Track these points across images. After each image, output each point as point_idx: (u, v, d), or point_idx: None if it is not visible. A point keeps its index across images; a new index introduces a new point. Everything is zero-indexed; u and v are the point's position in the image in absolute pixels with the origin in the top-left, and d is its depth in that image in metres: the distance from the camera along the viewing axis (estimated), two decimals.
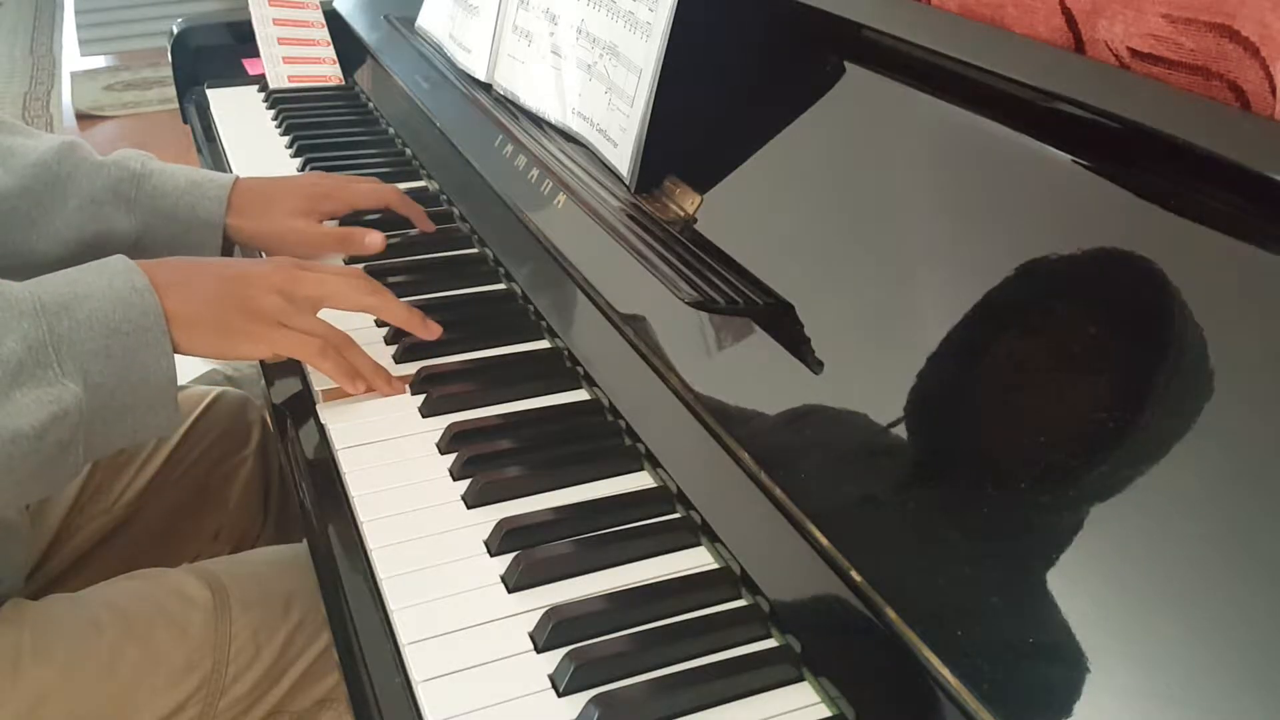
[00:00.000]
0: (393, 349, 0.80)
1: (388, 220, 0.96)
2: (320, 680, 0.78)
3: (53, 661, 0.69)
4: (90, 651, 0.70)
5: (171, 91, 1.44)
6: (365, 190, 0.95)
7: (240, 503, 1.05)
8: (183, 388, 1.04)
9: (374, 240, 0.90)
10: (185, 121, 1.35)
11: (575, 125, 0.86)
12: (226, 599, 0.76)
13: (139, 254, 0.84)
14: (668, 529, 0.62)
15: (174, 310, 0.66)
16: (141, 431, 0.66)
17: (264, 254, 0.92)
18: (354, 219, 0.95)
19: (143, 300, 0.64)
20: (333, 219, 0.94)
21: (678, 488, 0.63)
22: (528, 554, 0.59)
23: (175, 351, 0.66)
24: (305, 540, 0.68)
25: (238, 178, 0.91)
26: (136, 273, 0.66)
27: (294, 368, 0.80)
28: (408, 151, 1.14)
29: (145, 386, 0.64)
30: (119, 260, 0.67)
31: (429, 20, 1.14)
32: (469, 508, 0.64)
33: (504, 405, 0.73)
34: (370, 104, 1.28)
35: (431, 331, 0.77)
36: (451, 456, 0.67)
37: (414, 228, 0.96)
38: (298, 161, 1.13)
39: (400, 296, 0.86)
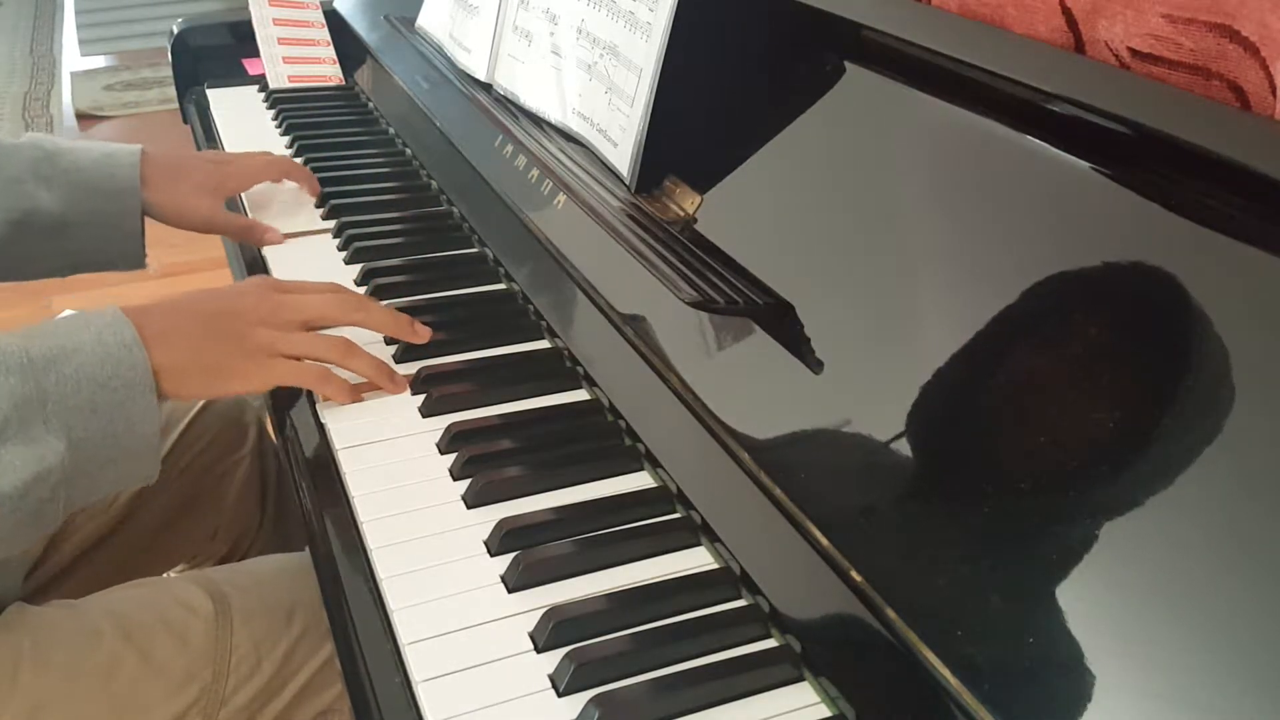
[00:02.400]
0: (393, 349, 0.79)
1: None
2: (321, 692, 0.77)
3: (52, 669, 0.69)
4: (90, 659, 0.70)
5: (171, 91, 1.44)
6: (265, 172, 1.03)
7: (237, 503, 1.05)
8: None
9: (273, 237, 0.97)
10: (185, 121, 1.35)
11: (575, 125, 0.86)
12: (228, 609, 0.76)
13: (65, 227, 0.90)
14: (668, 529, 0.62)
15: (162, 362, 0.65)
16: (122, 482, 0.65)
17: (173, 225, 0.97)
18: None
19: (130, 355, 0.63)
20: (233, 195, 1.02)
21: (678, 488, 0.63)
22: (528, 554, 0.59)
23: (168, 398, 0.66)
24: (307, 546, 0.68)
25: (144, 149, 0.94)
26: (125, 325, 0.65)
27: None
28: (408, 151, 1.15)
29: (130, 439, 0.63)
30: (110, 311, 0.66)
31: (429, 20, 1.14)
32: (469, 508, 0.64)
33: (504, 405, 0.73)
34: (370, 104, 1.28)
35: (420, 335, 0.77)
36: (451, 456, 0.67)
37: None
38: (298, 162, 1.13)
39: (401, 296, 0.87)
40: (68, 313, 1.65)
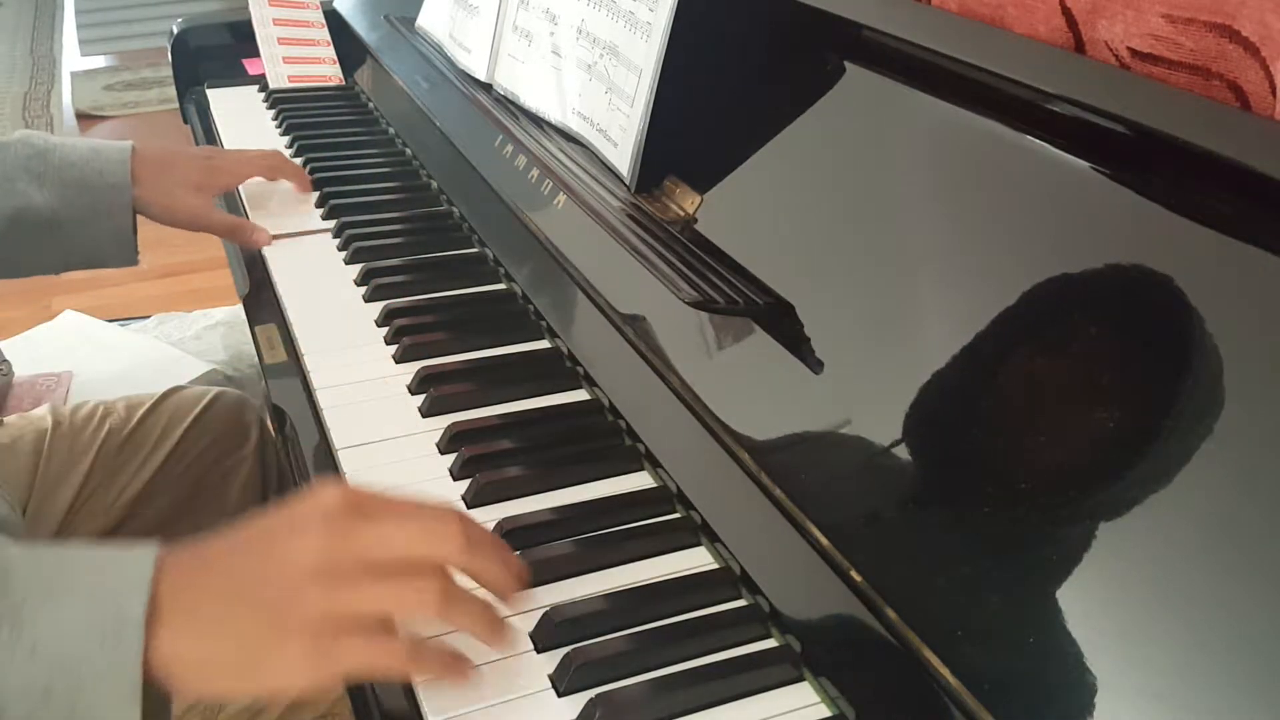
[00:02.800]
0: (393, 349, 0.80)
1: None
2: (322, 695, 0.77)
3: None
4: None
5: (171, 91, 1.44)
6: (256, 166, 1.02)
7: (239, 503, 1.05)
8: (181, 388, 1.05)
9: (262, 238, 0.96)
10: (185, 121, 1.35)
11: (575, 125, 0.86)
12: None
13: (57, 225, 0.88)
14: (668, 529, 0.62)
15: (176, 651, 0.47)
16: None
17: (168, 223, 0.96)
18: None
19: (122, 630, 0.46)
20: (225, 192, 1.02)
21: (678, 488, 0.63)
22: (528, 554, 0.59)
23: (182, 696, 0.49)
24: None
25: (134, 145, 0.94)
26: (137, 592, 0.46)
27: (294, 368, 0.80)
28: (408, 151, 1.14)
29: None
30: (139, 557, 0.48)
31: (429, 20, 1.14)
32: (469, 508, 0.64)
33: (504, 405, 0.73)
34: (370, 104, 1.28)
35: (516, 594, 0.55)
36: (451, 456, 0.68)
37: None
38: (298, 161, 1.13)
39: (401, 296, 0.87)
40: (68, 313, 1.64)
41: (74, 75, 3.59)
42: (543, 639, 0.54)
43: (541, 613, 0.55)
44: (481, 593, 0.53)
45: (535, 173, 0.86)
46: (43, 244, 0.90)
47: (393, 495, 0.52)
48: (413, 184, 1.08)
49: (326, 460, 0.69)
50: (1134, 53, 0.54)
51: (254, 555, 0.50)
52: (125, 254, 0.94)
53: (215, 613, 0.48)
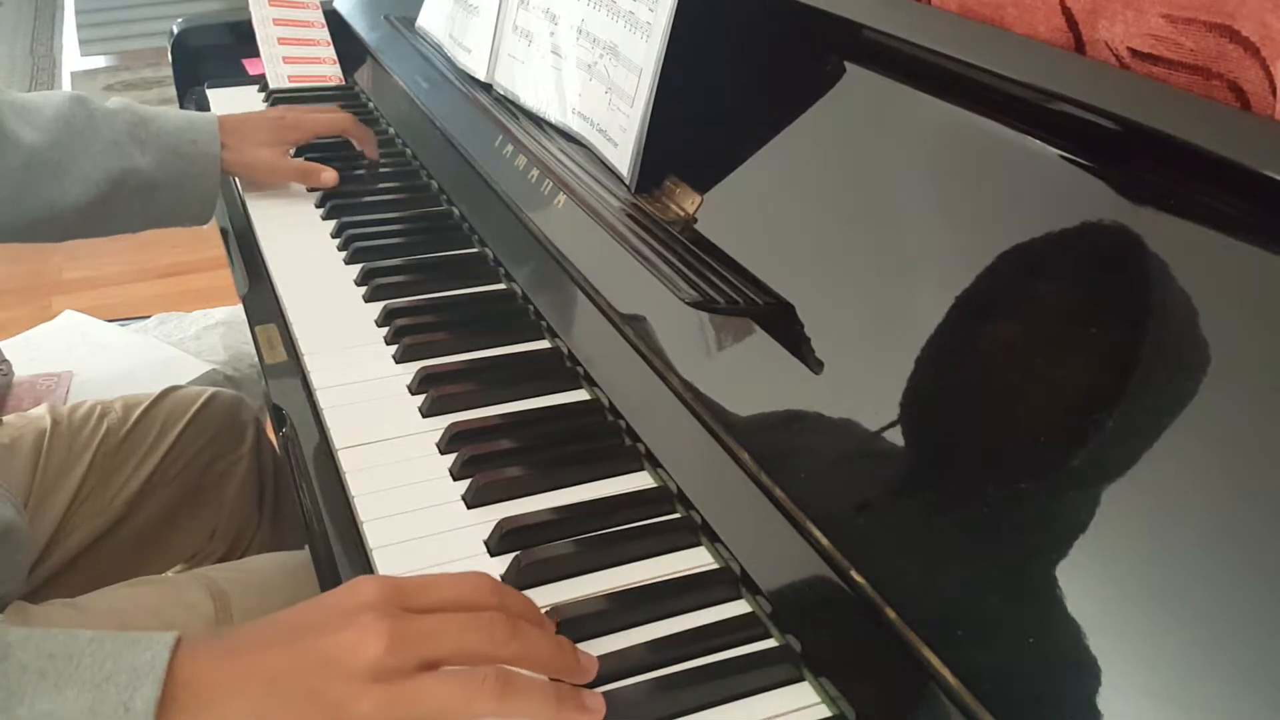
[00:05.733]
0: (393, 349, 0.80)
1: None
2: None
3: None
4: None
5: (171, 91, 1.44)
6: (325, 120, 1.10)
7: (235, 502, 1.06)
8: (178, 388, 1.05)
9: (329, 177, 1.05)
10: None
11: (575, 125, 0.86)
12: (228, 607, 0.75)
13: (154, 188, 0.96)
14: (668, 529, 0.62)
15: None
16: None
17: (239, 180, 1.07)
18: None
19: (127, 716, 0.44)
20: (298, 146, 1.09)
21: (678, 488, 0.63)
22: (528, 554, 0.59)
23: None
24: (306, 544, 0.68)
25: (218, 115, 1.03)
26: (147, 675, 0.45)
27: (294, 368, 0.80)
28: (408, 151, 1.15)
29: None
30: (159, 643, 0.47)
31: (429, 20, 1.14)
32: (469, 508, 0.64)
33: (504, 405, 0.73)
34: (370, 104, 1.28)
35: (587, 671, 0.52)
36: (451, 456, 0.67)
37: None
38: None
39: (401, 296, 0.87)
40: (68, 313, 1.64)
41: (74, 75, 3.59)
42: None
43: (542, 613, 0.55)
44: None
45: (535, 173, 0.86)
46: (136, 205, 0.98)
47: (429, 579, 0.51)
48: (413, 184, 1.08)
49: (326, 460, 0.69)
50: (1134, 53, 0.54)
51: (296, 649, 0.47)
52: (204, 213, 1.03)
53: (249, 704, 0.46)
